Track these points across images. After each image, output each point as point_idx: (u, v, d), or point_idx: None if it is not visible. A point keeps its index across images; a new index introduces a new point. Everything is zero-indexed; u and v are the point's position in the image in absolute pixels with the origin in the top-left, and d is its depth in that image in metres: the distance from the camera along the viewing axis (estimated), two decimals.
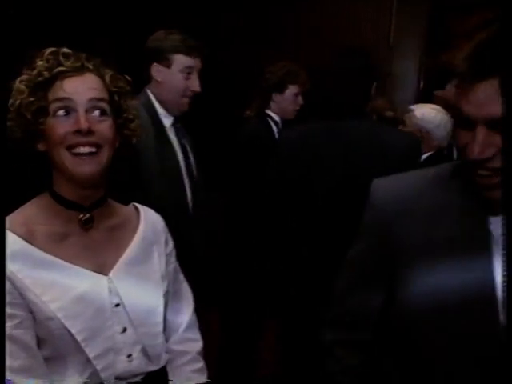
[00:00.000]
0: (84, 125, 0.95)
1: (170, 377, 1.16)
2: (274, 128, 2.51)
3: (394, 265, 0.88)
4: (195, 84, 1.93)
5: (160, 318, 1.11)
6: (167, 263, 1.17)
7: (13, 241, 0.96)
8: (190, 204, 1.95)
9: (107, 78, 1.03)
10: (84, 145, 0.97)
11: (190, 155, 2.01)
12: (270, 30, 3.87)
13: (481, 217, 0.81)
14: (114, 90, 1.03)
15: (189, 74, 1.91)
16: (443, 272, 0.82)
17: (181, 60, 1.90)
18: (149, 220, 1.17)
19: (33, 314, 0.97)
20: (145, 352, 1.07)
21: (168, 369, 1.16)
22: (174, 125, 1.97)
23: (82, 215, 1.04)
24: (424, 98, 3.63)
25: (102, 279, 1.04)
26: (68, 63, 0.98)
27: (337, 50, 1.85)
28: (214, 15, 4.18)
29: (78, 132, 0.95)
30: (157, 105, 1.93)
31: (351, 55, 1.80)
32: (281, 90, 2.50)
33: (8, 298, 0.93)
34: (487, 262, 0.80)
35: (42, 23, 3.47)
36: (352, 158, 1.69)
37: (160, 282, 1.13)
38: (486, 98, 0.70)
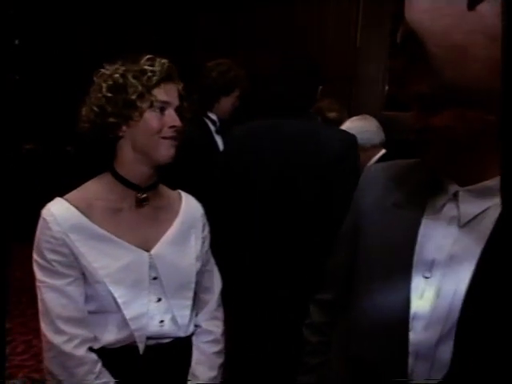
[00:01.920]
0: (178, 122, 1.22)
1: (194, 350, 1.34)
2: (212, 127, 2.46)
3: (357, 236, 0.89)
4: None
5: (191, 293, 1.30)
6: (202, 245, 1.36)
7: (74, 214, 1.17)
8: None
9: (180, 86, 1.30)
10: (173, 136, 1.22)
11: None
12: (241, 32, 3.88)
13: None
14: (182, 94, 1.31)
15: None
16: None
17: None
18: (189, 206, 1.38)
19: (84, 276, 1.17)
20: (174, 320, 1.26)
21: (193, 341, 1.34)
22: None
23: (139, 194, 1.25)
24: (389, 100, 3.71)
25: (144, 255, 1.23)
26: (167, 70, 1.22)
27: (283, 54, 1.91)
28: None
29: (173, 127, 1.21)
30: None
31: (297, 60, 1.85)
32: (228, 92, 2.46)
33: (65, 261, 1.15)
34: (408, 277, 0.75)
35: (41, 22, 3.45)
36: (287, 154, 1.76)
37: (194, 262, 1.31)
38: None
